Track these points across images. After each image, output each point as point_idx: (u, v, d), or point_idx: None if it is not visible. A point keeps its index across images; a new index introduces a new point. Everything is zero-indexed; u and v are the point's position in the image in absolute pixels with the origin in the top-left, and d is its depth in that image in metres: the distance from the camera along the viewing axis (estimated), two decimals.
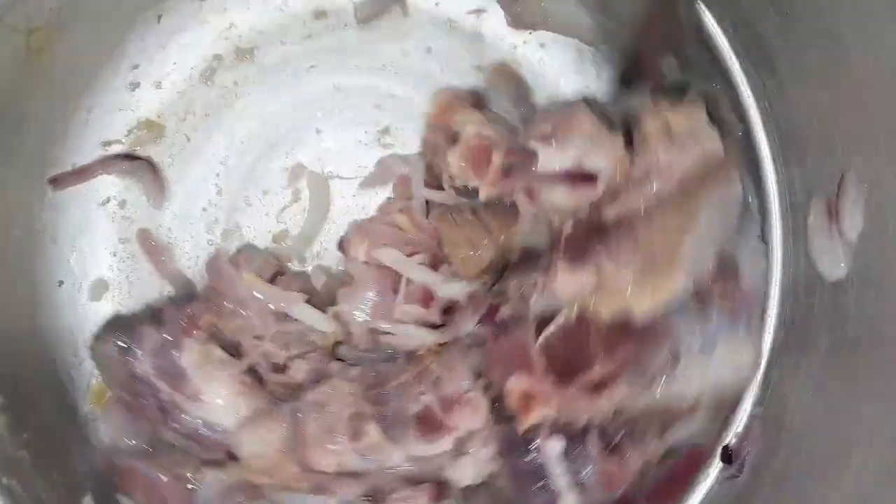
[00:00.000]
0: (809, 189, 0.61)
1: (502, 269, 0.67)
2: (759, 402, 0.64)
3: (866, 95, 0.50)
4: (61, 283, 0.70)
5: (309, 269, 0.71)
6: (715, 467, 0.65)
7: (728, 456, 0.64)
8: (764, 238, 0.66)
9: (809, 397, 0.58)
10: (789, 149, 0.63)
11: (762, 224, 0.66)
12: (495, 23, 0.71)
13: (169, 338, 0.63)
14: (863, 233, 0.54)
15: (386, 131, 0.72)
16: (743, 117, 0.65)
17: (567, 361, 0.59)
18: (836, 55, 0.52)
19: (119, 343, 0.64)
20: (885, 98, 0.49)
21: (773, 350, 0.64)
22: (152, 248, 0.71)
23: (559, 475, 0.59)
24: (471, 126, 0.65)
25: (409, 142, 0.71)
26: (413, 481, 0.61)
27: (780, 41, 0.59)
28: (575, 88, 0.71)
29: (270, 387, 0.67)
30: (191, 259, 0.71)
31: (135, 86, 0.70)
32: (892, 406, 0.48)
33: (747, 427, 0.64)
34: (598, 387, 0.58)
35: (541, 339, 0.59)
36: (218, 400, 0.63)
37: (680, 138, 0.60)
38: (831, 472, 0.53)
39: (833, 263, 0.57)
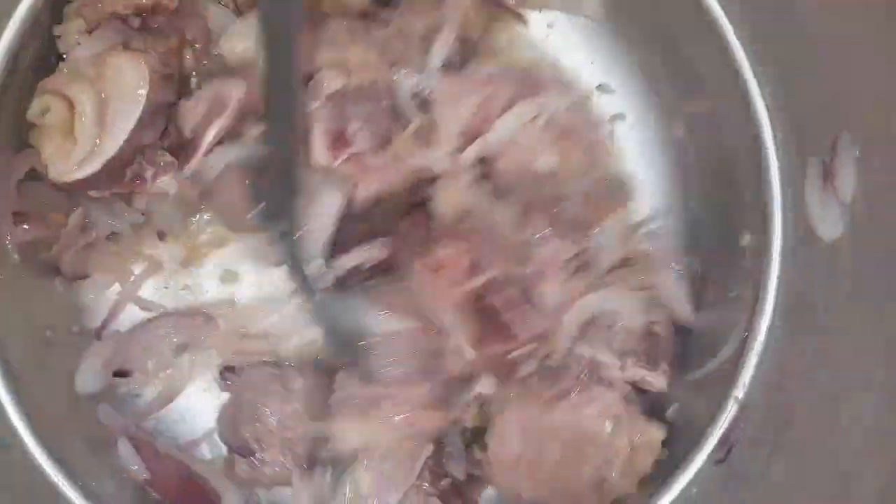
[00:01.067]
0: (805, 153, 0.62)
1: None
2: (749, 389, 0.64)
3: (853, 57, 0.52)
4: None
5: None
6: (704, 452, 0.64)
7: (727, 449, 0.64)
8: (764, 204, 0.67)
9: (807, 355, 0.59)
10: (785, 112, 0.64)
11: (762, 192, 0.67)
12: None
13: None
14: (856, 192, 0.55)
15: None
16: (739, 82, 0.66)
17: None
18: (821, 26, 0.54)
19: None
20: (869, 60, 0.50)
21: (774, 314, 0.65)
22: None
23: None
24: None
25: None
26: None
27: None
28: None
29: None
30: None
31: None
32: (880, 357, 0.49)
33: (736, 416, 0.64)
34: None
35: None
36: None
37: None
38: (824, 428, 0.54)
39: (829, 223, 0.58)
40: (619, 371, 0.70)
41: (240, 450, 0.73)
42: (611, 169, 0.77)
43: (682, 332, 0.74)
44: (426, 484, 0.72)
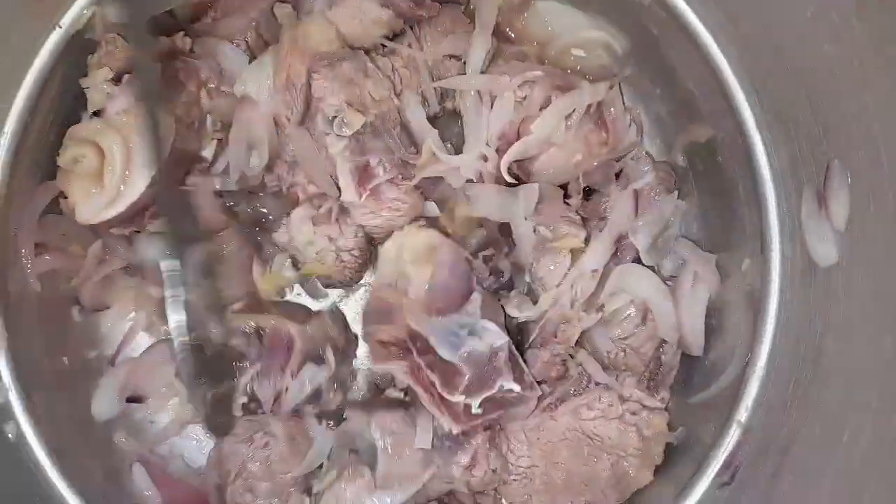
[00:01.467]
0: (800, 181, 0.63)
1: None
2: (752, 413, 0.65)
3: (840, 88, 0.54)
4: None
5: None
6: (709, 475, 0.65)
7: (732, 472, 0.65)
8: (763, 232, 0.68)
9: (806, 379, 0.60)
10: (780, 143, 0.65)
11: (760, 219, 0.68)
12: None
13: None
14: (850, 218, 0.56)
15: None
16: (735, 111, 0.68)
17: None
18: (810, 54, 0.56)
19: None
20: (854, 88, 0.52)
21: (774, 338, 0.66)
22: None
23: None
24: None
25: None
26: None
27: (762, 40, 0.62)
28: None
29: None
30: None
31: None
32: (878, 378, 0.50)
33: (740, 440, 0.65)
34: None
35: None
36: None
37: None
38: (826, 449, 0.55)
39: (824, 250, 0.59)
40: (616, 384, 0.71)
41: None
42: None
43: (686, 357, 0.76)
44: None
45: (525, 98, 0.72)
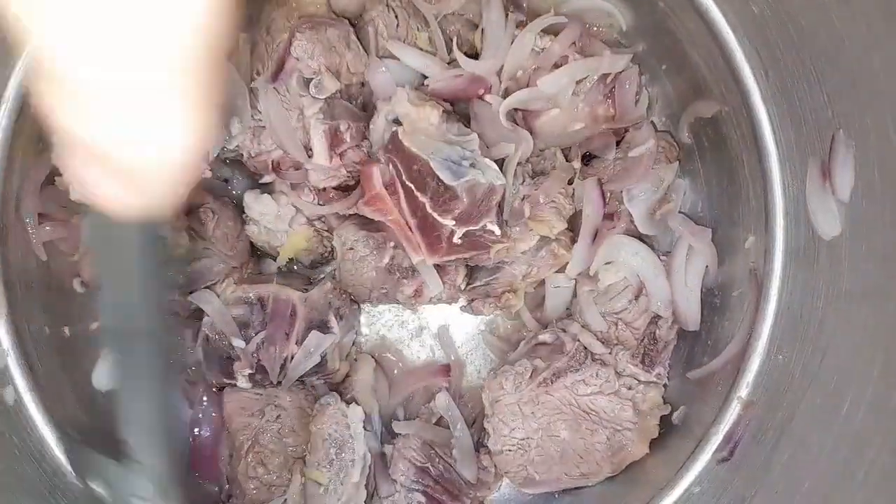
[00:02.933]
0: (805, 154, 0.62)
1: None
2: (753, 388, 0.64)
3: (848, 54, 0.52)
4: None
5: None
6: (708, 451, 0.65)
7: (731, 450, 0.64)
8: (767, 206, 0.67)
9: (808, 352, 0.59)
10: (785, 117, 0.64)
11: (765, 195, 0.67)
12: None
13: None
14: (854, 188, 0.55)
15: None
16: (741, 84, 0.67)
17: None
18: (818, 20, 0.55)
19: None
20: (863, 53, 0.51)
21: (776, 313, 0.65)
22: None
23: None
24: None
25: None
26: None
27: (769, 12, 0.61)
28: None
29: None
30: None
31: None
32: (881, 347, 0.49)
33: (740, 415, 0.64)
34: None
35: None
36: None
37: None
38: (825, 421, 0.54)
39: (828, 222, 0.58)
40: (610, 357, 0.71)
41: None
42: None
43: (687, 335, 0.75)
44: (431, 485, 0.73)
45: (543, 50, 0.71)
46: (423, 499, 0.72)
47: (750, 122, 0.68)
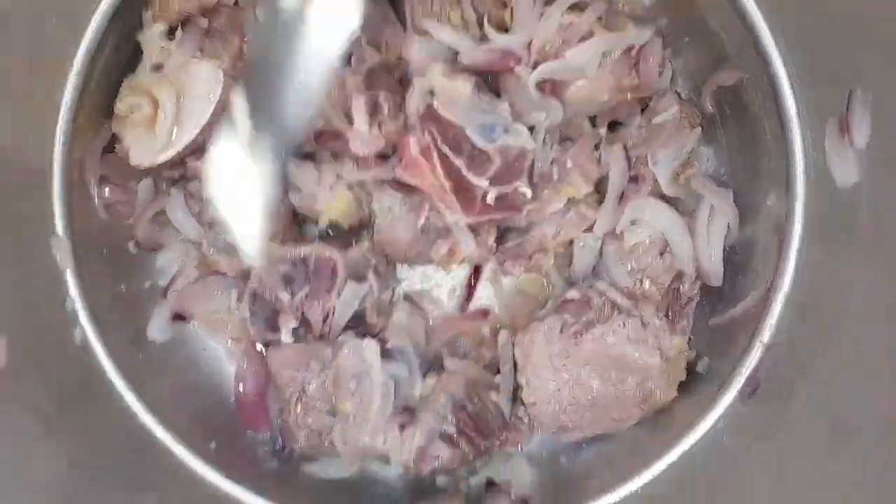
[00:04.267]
0: (825, 113, 0.66)
1: None
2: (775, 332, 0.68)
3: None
4: None
5: None
6: (732, 391, 0.69)
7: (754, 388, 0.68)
8: (788, 168, 0.71)
9: (827, 297, 0.62)
10: (805, 77, 0.68)
11: (786, 155, 0.71)
12: None
13: None
14: (872, 137, 0.59)
15: None
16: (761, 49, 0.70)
17: None
18: None
19: None
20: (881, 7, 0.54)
21: (797, 264, 0.68)
22: None
23: None
24: None
25: None
26: None
27: None
28: None
29: None
30: None
31: None
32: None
33: (762, 358, 0.68)
34: None
35: None
36: None
37: None
38: (845, 360, 0.57)
39: (845, 171, 0.62)
40: (636, 311, 0.75)
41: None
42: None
43: (710, 290, 0.78)
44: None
45: (570, 25, 0.75)
46: (454, 430, 0.75)
47: (770, 85, 0.71)
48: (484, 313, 0.86)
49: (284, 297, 0.79)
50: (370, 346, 0.78)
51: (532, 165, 0.75)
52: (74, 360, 0.71)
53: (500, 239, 0.83)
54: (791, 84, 0.70)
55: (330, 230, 0.85)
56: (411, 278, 0.88)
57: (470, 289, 0.87)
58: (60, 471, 0.66)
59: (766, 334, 0.67)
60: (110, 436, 0.70)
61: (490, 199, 0.74)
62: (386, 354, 0.79)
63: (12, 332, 0.67)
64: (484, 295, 0.87)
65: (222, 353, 0.86)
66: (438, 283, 0.88)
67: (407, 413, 0.78)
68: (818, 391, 0.60)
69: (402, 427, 0.77)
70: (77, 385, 0.70)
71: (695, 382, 0.74)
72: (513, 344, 0.80)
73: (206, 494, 0.72)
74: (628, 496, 0.69)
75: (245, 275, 0.82)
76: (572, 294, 0.80)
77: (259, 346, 0.83)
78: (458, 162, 0.74)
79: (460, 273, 0.87)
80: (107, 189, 0.79)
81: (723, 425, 0.66)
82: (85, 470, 0.67)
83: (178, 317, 0.84)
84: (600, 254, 0.81)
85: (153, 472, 0.72)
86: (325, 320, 0.80)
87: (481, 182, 0.73)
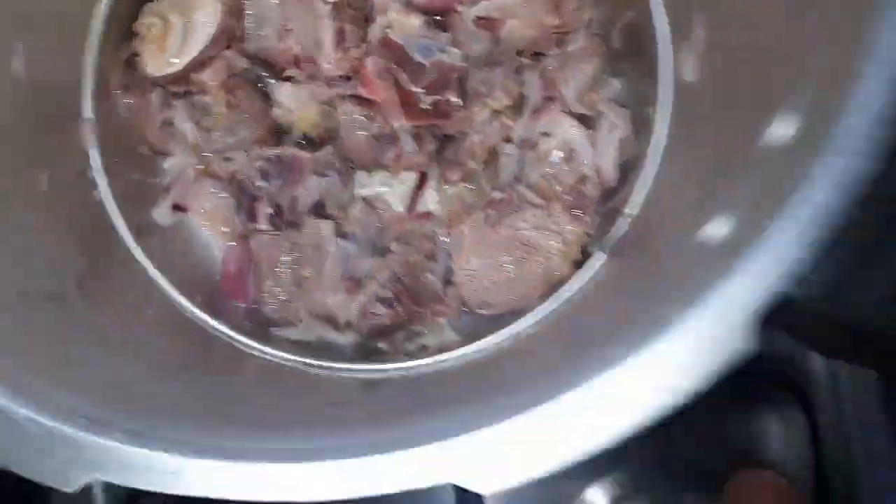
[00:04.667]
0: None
1: None
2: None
3: None
4: None
5: None
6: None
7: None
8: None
9: (678, 176, 0.79)
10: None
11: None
12: None
13: None
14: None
15: None
16: None
17: None
18: None
19: None
20: None
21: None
22: None
23: None
24: None
25: None
26: None
27: None
28: None
29: None
30: None
31: None
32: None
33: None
34: None
35: None
36: None
37: None
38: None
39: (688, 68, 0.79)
40: (545, 205, 0.92)
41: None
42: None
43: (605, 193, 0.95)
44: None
45: None
46: (391, 297, 0.93)
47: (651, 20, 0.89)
48: (427, 215, 1.04)
49: (262, 185, 0.97)
50: (327, 225, 0.96)
51: (461, 80, 0.93)
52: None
53: (441, 151, 1.01)
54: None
55: (304, 140, 1.04)
56: (371, 185, 1.06)
57: (416, 194, 1.05)
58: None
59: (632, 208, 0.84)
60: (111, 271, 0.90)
61: (426, 105, 0.92)
62: (341, 235, 0.98)
63: None
64: (430, 201, 1.05)
65: (213, 242, 1.05)
66: (392, 190, 1.06)
67: (354, 281, 0.96)
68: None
69: (349, 291, 0.95)
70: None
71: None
72: (448, 236, 0.98)
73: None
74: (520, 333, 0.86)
75: (233, 177, 1.01)
76: (497, 195, 0.97)
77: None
78: (402, 76, 0.93)
79: (410, 183, 1.05)
80: (127, 96, 0.99)
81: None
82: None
83: (178, 207, 1.03)
84: (521, 161, 0.99)
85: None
86: (293, 208, 0.98)
87: (417, 88, 0.91)
